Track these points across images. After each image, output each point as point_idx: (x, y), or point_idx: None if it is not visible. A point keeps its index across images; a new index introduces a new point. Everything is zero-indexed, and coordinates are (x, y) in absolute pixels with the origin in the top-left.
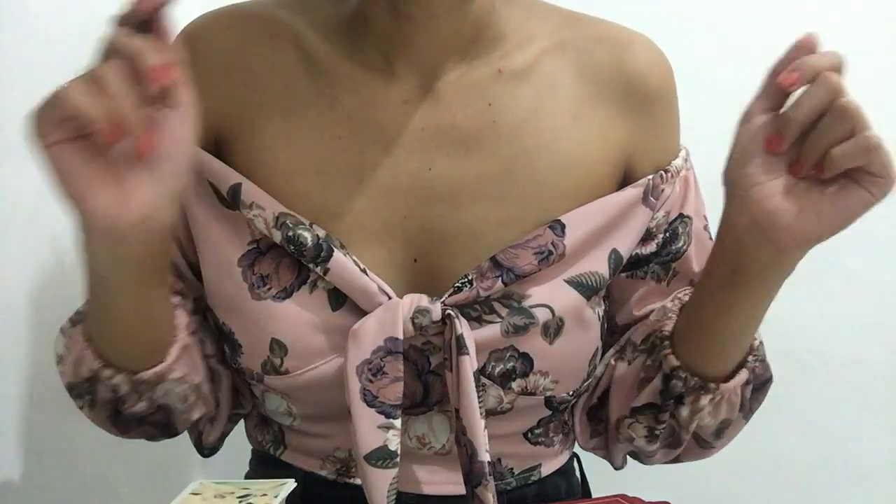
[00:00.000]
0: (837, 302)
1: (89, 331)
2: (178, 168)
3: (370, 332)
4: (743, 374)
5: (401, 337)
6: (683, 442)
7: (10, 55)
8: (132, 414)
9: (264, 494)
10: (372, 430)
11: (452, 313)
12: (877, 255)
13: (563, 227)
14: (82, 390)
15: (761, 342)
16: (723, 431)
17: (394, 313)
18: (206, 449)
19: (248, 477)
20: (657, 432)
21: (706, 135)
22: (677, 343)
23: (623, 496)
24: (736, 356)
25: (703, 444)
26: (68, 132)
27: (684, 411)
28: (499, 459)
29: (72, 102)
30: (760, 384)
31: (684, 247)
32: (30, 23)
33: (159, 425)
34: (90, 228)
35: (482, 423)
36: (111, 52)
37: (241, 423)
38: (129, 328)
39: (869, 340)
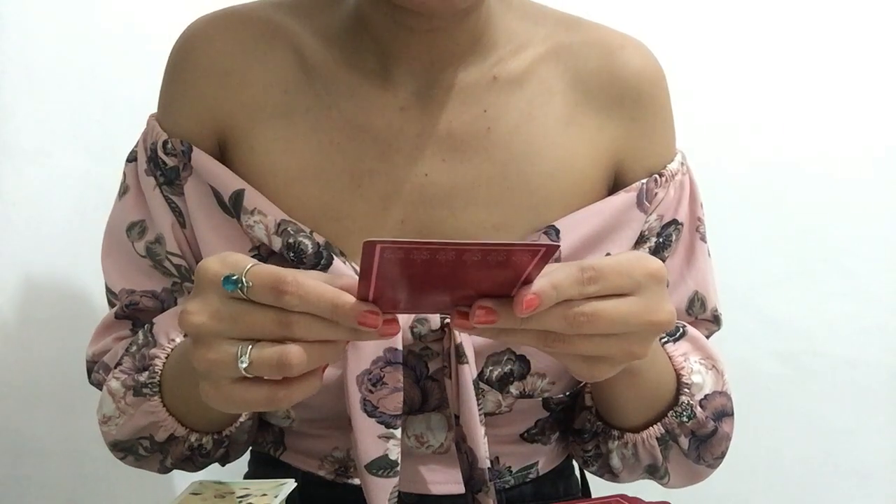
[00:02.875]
0: (837, 302)
1: (171, 404)
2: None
3: (369, 343)
4: (655, 429)
5: (400, 347)
6: (617, 472)
7: (11, 55)
8: (205, 461)
9: (264, 494)
10: (372, 440)
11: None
12: (877, 256)
13: (557, 232)
14: (136, 446)
15: (689, 403)
16: (659, 473)
17: None
18: (230, 458)
19: (247, 477)
20: (587, 457)
21: (704, 136)
22: (591, 387)
23: (623, 496)
24: (636, 417)
25: (659, 480)
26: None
27: (602, 447)
28: (496, 458)
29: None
30: (705, 436)
31: (668, 256)
32: (30, 23)
33: (220, 459)
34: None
35: (482, 430)
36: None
37: None
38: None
39: (869, 341)
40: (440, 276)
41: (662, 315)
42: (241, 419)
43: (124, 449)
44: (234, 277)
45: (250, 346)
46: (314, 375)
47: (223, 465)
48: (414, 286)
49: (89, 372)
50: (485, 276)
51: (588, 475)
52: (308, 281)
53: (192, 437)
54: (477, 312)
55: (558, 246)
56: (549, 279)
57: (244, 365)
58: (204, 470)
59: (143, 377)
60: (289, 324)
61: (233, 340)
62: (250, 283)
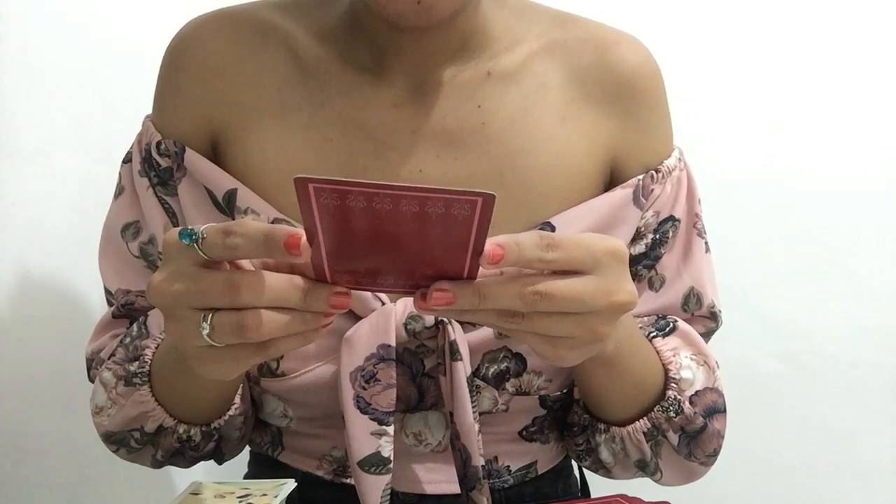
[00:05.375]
0: (837, 302)
1: (159, 394)
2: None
3: (363, 339)
4: (641, 423)
5: (393, 344)
6: (609, 467)
7: (11, 55)
8: (195, 456)
9: (264, 494)
10: (365, 437)
11: (445, 319)
12: (877, 256)
13: (553, 229)
14: (128, 438)
15: (677, 398)
16: (649, 469)
17: (387, 319)
18: (224, 456)
19: (247, 477)
20: (579, 452)
21: (704, 135)
22: (576, 379)
23: (623, 496)
24: (621, 410)
25: (651, 477)
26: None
27: (591, 441)
28: (495, 458)
29: (280, 348)
30: (695, 432)
31: (665, 252)
32: (30, 23)
33: (213, 455)
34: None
35: (476, 427)
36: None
37: None
38: (212, 400)
39: (868, 341)
40: (385, 234)
41: (622, 295)
42: (231, 412)
43: (117, 441)
44: (190, 229)
45: (211, 314)
46: (293, 337)
47: (220, 464)
48: (362, 248)
49: (88, 370)
50: (430, 234)
51: (588, 476)
52: (252, 222)
53: (181, 429)
54: (434, 295)
55: (494, 196)
56: (512, 236)
57: (206, 331)
58: (204, 470)
59: (134, 367)
60: (237, 286)
61: (195, 309)
62: (205, 235)
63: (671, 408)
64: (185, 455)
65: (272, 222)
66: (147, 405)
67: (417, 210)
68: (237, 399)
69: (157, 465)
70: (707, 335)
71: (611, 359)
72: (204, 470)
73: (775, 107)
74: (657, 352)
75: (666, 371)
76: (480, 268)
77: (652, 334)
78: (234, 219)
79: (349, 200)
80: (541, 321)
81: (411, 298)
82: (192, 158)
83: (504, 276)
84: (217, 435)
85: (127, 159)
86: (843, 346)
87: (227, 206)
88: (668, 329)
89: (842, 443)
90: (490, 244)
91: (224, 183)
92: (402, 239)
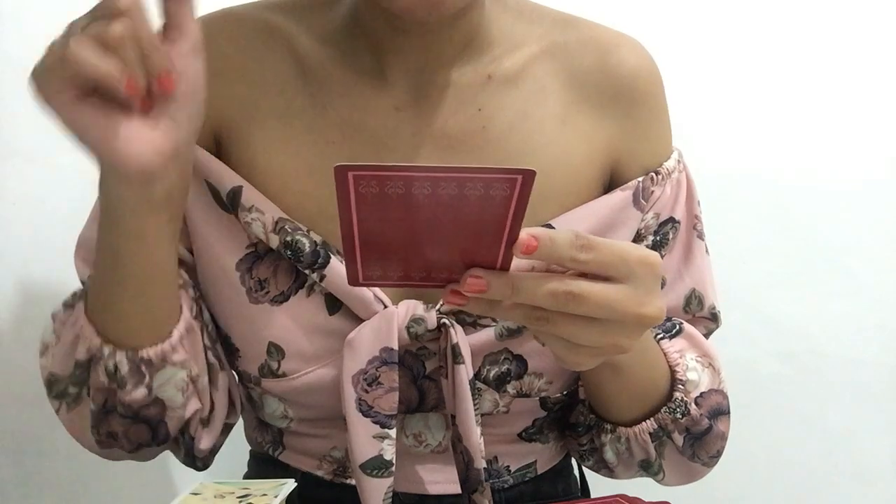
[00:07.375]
0: (837, 302)
1: (91, 305)
2: (196, 105)
3: (365, 342)
4: (647, 424)
5: (395, 347)
6: (612, 467)
7: (11, 55)
8: (127, 404)
9: (264, 494)
10: (367, 440)
11: (447, 322)
12: (877, 256)
13: None
14: (67, 383)
15: (683, 400)
16: (653, 469)
17: (389, 322)
18: (199, 459)
19: (246, 477)
20: (582, 452)
21: (705, 135)
22: (582, 380)
23: (623, 496)
24: (628, 410)
25: (654, 477)
26: (79, 88)
27: (596, 440)
28: (495, 458)
29: (88, 67)
30: (699, 433)
31: (665, 254)
32: (30, 23)
33: (152, 422)
34: (117, 172)
35: (478, 430)
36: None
37: (240, 423)
38: (139, 287)
39: (869, 341)
40: (421, 222)
41: (650, 309)
42: (164, 346)
43: (59, 392)
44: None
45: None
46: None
47: (148, 447)
48: (397, 238)
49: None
50: (466, 219)
51: (588, 476)
52: None
53: (106, 352)
54: (469, 281)
55: (534, 172)
56: (548, 230)
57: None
58: (203, 471)
59: (77, 291)
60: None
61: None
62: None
63: (678, 409)
64: (115, 402)
65: (276, 223)
66: (78, 323)
67: (456, 192)
68: (177, 333)
69: (97, 436)
70: (707, 336)
71: (623, 362)
72: (202, 470)
73: (775, 107)
74: (664, 353)
75: (672, 373)
76: (513, 259)
77: (658, 336)
78: (237, 215)
79: (388, 188)
80: (567, 326)
81: (413, 301)
82: (196, 154)
83: (538, 273)
84: (149, 377)
85: None
86: (843, 346)
87: (230, 203)
88: (674, 331)
89: (842, 443)
90: (525, 234)
91: (229, 180)
92: (437, 226)
